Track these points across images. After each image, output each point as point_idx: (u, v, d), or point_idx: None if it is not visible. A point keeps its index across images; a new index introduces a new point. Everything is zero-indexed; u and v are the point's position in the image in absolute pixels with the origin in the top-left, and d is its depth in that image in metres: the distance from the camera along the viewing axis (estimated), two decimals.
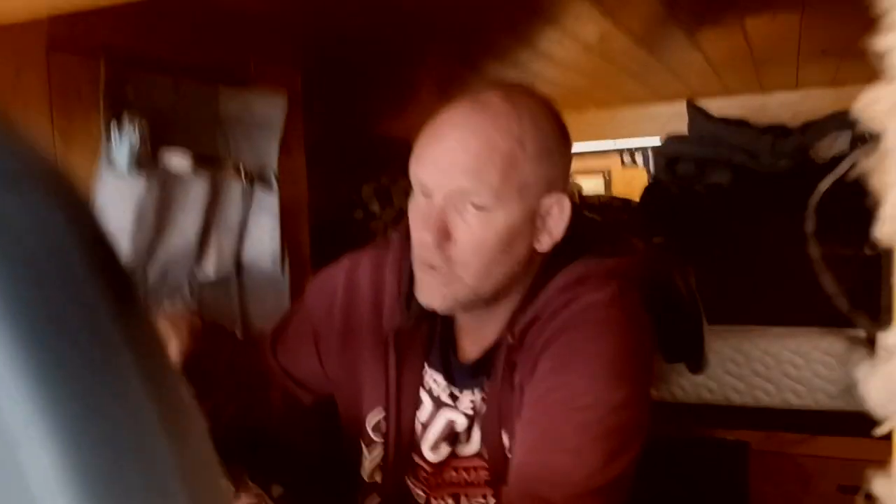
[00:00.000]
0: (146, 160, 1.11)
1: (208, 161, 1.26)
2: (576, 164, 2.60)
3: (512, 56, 1.51)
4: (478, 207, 0.82)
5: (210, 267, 1.25)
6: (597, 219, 1.14)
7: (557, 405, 0.81)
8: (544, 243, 0.88)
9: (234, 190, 1.26)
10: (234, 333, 1.07)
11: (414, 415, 0.95)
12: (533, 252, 0.88)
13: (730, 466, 1.65)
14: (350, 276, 1.00)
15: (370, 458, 0.97)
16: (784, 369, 1.59)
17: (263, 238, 1.31)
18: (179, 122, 1.23)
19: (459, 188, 0.82)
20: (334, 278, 1.02)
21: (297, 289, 1.43)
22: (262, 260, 1.33)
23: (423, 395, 0.96)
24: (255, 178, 1.30)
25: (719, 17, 1.31)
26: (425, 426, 0.95)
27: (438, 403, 0.95)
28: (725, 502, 1.61)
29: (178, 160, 1.17)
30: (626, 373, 0.82)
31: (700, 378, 1.64)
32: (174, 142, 1.21)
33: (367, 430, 0.97)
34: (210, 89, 1.27)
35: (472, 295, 0.86)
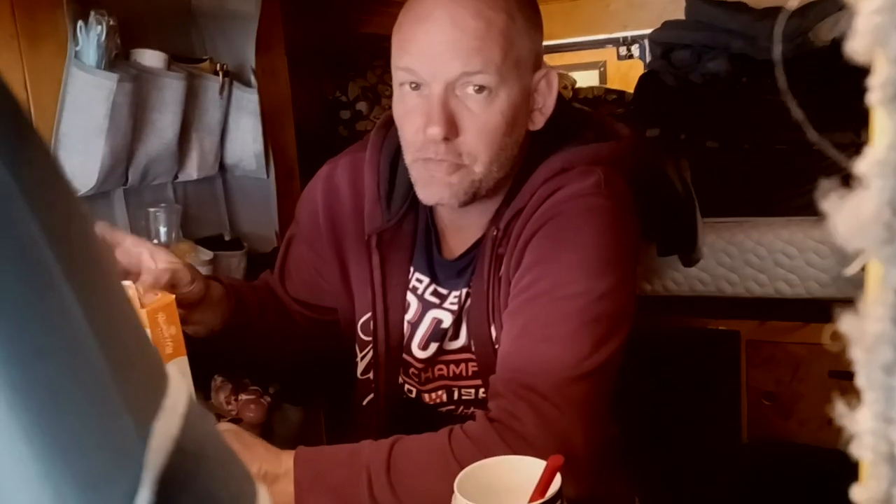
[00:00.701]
0: (117, 58, 1.07)
1: (183, 59, 1.21)
2: (570, 58, 2.52)
3: None
4: (482, 89, 0.79)
5: (192, 167, 1.22)
6: (582, 108, 1.10)
7: (543, 295, 0.80)
8: (537, 121, 0.86)
9: (212, 88, 1.22)
10: (252, 284, 1.04)
11: (402, 315, 0.95)
12: (526, 134, 0.86)
13: (722, 355, 1.68)
14: (328, 181, 0.97)
15: (365, 360, 0.98)
16: (777, 259, 1.59)
17: (245, 138, 1.28)
18: (150, 20, 1.18)
19: (462, 72, 0.79)
20: (314, 188, 0.99)
21: (285, 190, 1.41)
22: (246, 160, 1.30)
23: (409, 296, 0.95)
24: (232, 76, 1.26)
25: None
26: (413, 325, 0.95)
27: (425, 303, 0.94)
28: (718, 390, 1.65)
29: (151, 57, 1.12)
30: (611, 260, 0.81)
31: (693, 270, 1.64)
32: (146, 41, 1.17)
33: (358, 333, 0.97)
34: None
35: (478, 184, 0.84)
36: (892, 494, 0.20)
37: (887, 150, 0.18)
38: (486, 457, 0.68)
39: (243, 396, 1.05)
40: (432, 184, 0.84)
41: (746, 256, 1.61)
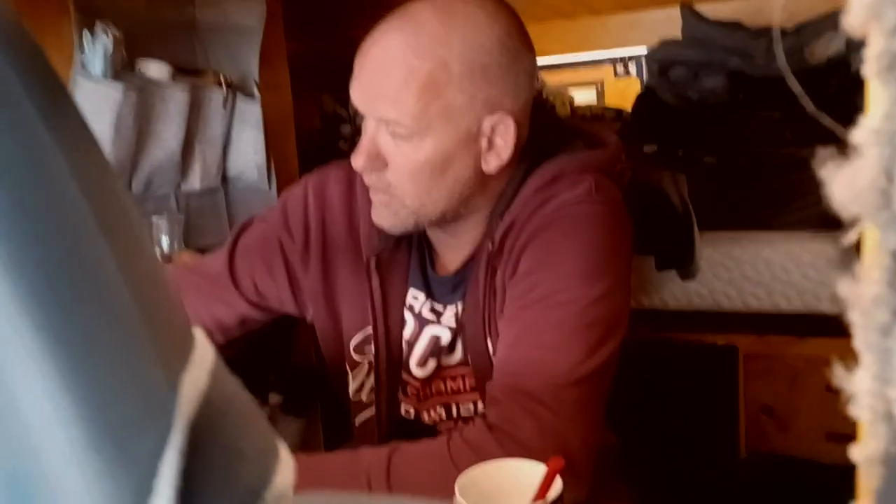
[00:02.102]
0: (122, 68, 1.08)
1: (186, 70, 1.23)
2: (568, 76, 2.54)
3: None
4: (401, 136, 0.80)
5: (195, 178, 1.23)
6: (566, 118, 1.12)
7: (537, 302, 0.81)
8: (492, 164, 0.84)
9: (215, 100, 1.24)
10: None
11: (400, 335, 0.95)
12: (481, 173, 0.85)
13: (720, 369, 1.68)
14: (320, 193, 0.97)
15: (357, 380, 0.97)
16: (775, 273, 1.60)
17: (248, 150, 1.30)
18: (155, 32, 1.20)
19: (379, 115, 0.80)
20: (304, 197, 0.97)
21: None
22: (248, 172, 1.32)
23: (406, 315, 0.95)
24: (236, 88, 1.27)
25: None
26: (411, 344, 0.95)
27: (422, 321, 0.94)
28: (716, 404, 1.65)
29: (154, 68, 1.14)
30: (605, 265, 0.82)
31: (691, 285, 1.65)
32: (151, 52, 1.18)
33: (350, 353, 0.96)
34: None
35: (416, 216, 0.85)
36: (890, 453, 0.21)
37: (882, 119, 0.19)
38: None
39: None
40: (375, 210, 0.87)
41: (744, 270, 1.62)
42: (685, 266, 1.60)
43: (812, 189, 1.59)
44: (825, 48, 1.68)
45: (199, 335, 0.25)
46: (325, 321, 0.97)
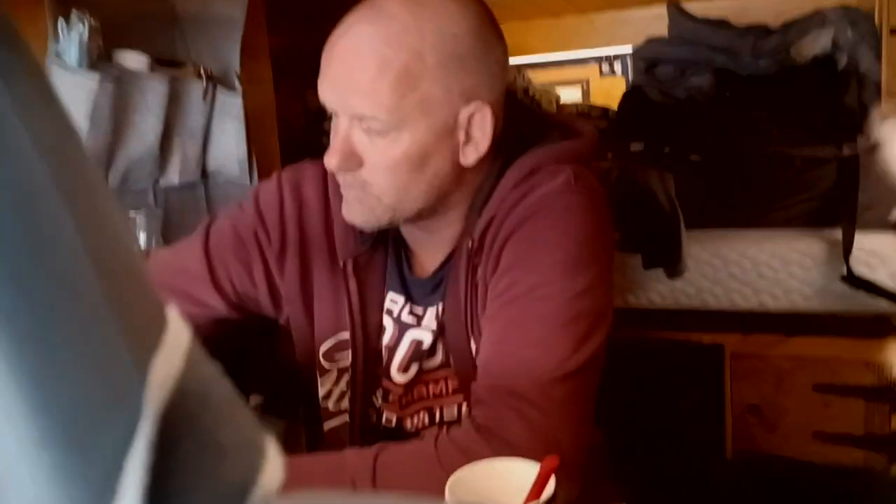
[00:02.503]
0: (99, 58, 1.05)
1: (166, 62, 1.20)
2: (554, 75, 2.53)
3: None
4: (378, 132, 0.77)
5: (174, 173, 1.21)
6: (540, 110, 1.09)
7: (520, 297, 0.79)
8: (470, 157, 0.82)
9: (195, 92, 1.21)
10: None
11: (378, 340, 0.91)
12: (459, 166, 0.82)
13: (706, 369, 1.68)
14: (296, 190, 0.93)
15: (325, 387, 0.93)
16: (761, 272, 1.59)
17: (229, 143, 1.27)
18: (133, 22, 1.17)
19: (353, 111, 0.77)
20: (278, 191, 0.93)
21: None
22: (229, 166, 1.29)
23: (386, 319, 0.91)
24: (217, 81, 1.25)
25: None
26: (391, 350, 0.91)
27: (402, 325, 0.91)
28: (702, 403, 1.64)
29: (133, 59, 1.11)
30: (587, 256, 0.80)
31: (678, 283, 1.64)
32: (129, 42, 1.15)
33: (320, 359, 0.93)
34: None
35: (392, 212, 0.82)
36: None
37: None
38: None
39: None
40: (347, 206, 0.84)
41: (731, 269, 1.61)
42: (672, 264, 1.59)
43: (799, 188, 1.59)
44: (811, 46, 1.68)
45: (173, 314, 0.23)
46: (300, 324, 0.93)
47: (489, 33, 0.81)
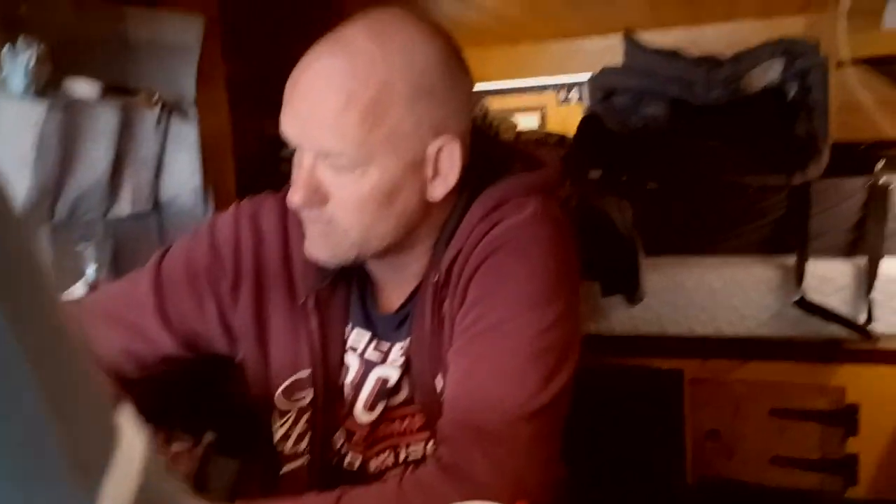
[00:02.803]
0: (47, 85, 1.02)
1: (119, 89, 1.17)
2: (511, 102, 2.56)
3: None
4: (346, 167, 0.75)
5: (125, 203, 1.17)
6: (499, 138, 1.09)
7: (488, 331, 0.77)
8: (438, 191, 0.80)
9: (148, 120, 1.18)
10: None
11: (340, 379, 0.89)
12: (427, 200, 0.81)
13: (665, 395, 1.68)
14: (253, 223, 0.89)
15: (283, 429, 0.90)
16: (717, 298, 1.61)
17: (183, 172, 1.24)
18: (84, 47, 1.14)
19: (319, 147, 0.75)
20: (235, 223, 0.90)
21: None
22: (183, 196, 1.25)
23: (349, 357, 0.89)
24: (170, 108, 1.22)
25: None
26: (356, 388, 0.88)
27: (367, 363, 0.88)
28: (661, 429, 1.64)
29: (83, 86, 1.07)
30: (555, 289, 0.79)
31: (637, 310, 1.65)
32: (80, 69, 1.12)
33: (276, 400, 0.89)
34: (115, 10, 1.17)
35: (358, 248, 0.80)
36: None
37: None
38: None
39: (175, 447, 0.98)
40: (311, 242, 0.81)
41: (688, 295, 1.63)
42: (631, 291, 1.60)
43: (752, 215, 1.62)
44: (761, 77, 1.73)
45: (127, 421, 0.20)
46: (255, 363, 0.90)
47: (456, 66, 0.80)
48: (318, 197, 0.77)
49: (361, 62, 0.74)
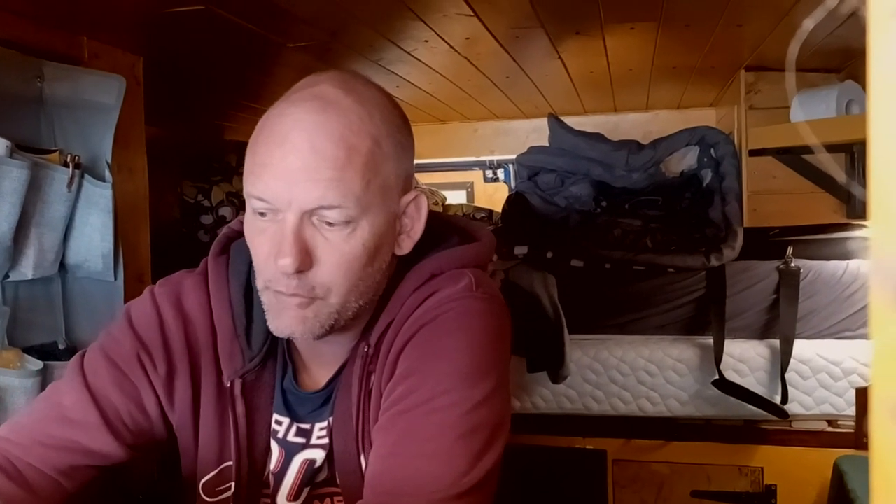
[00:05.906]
0: None
1: (30, 148, 1.11)
2: (440, 177, 2.59)
3: (376, 54, 1.46)
4: (342, 222, 0.73)
5: (27, 265, 1.09)
6: (441, 213, 1.09)
7: (415, 407, 0.74)
8: (404, 246, 0.80)
9: (59, 181, 1.12)
10: None
11: (265, 468, 0.83)
12: (392, 257, 0.80)
13: (590, 475, 1.66)
14: (176, 306, 0.83)
15: None
16: (639, 377, 1.62)
17: (93, 236, 1.17)
18: None
19: (318, 202, 0.72)
20: (155, 310, 0.83)
21: (134, 295, 1.28)
22: (92, 261, 1.18)
23: (273, 443, 0.83)
24: (85, 169, 1.16)
25: (582, 24, 1.33)
26: (278, 477, 0.83)
27: (289, 448, 0.83)
28: None
29: None
30: (486, 365, 0.76)
31: (560, 387, 1.64)
32: None
33: (200, 493, 0.83)
34: (32, 65, 1.12)
35: (336, 316, 0.76)
36: None
37: None
38: None
39: None
40: (284, 316, 0.76)
41: (611, 374, 1.63)
42: (556, 369, 1.59)
43: (672, 295, 1.66)
44: (679, 163, 1.80)
45: None
46: (187, 454, 0.83)
47: (409, 124, 0.81)
48: (308, 260, 0.73)
49: (354, 118, 0.73)
